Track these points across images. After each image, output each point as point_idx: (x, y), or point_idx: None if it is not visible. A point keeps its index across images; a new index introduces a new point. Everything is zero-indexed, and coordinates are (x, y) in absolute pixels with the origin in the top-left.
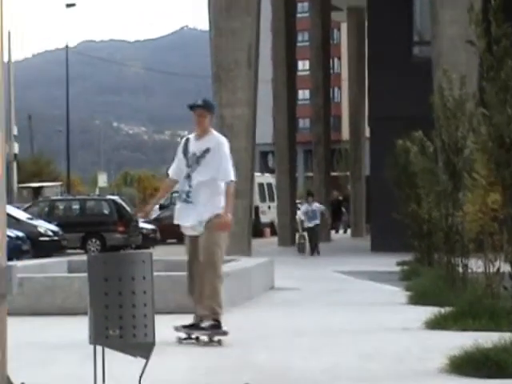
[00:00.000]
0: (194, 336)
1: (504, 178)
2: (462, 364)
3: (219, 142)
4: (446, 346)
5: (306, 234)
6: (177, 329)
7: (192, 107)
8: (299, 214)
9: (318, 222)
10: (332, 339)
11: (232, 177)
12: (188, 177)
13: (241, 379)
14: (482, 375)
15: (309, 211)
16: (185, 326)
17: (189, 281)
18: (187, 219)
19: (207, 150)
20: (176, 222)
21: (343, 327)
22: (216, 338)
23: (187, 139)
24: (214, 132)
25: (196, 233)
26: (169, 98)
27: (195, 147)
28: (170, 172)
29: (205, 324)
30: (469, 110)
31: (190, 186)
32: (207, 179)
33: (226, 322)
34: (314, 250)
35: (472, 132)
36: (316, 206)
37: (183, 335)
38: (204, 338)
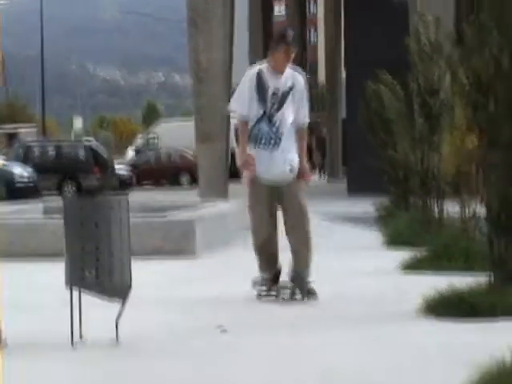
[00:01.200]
0: (273, 292)
1: (481, 122)
2: (437, 306)
3: (300, 79)
4: (421, 288)
5: None
6: (255, 283)
7: (285, 42)
8: None
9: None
10: None
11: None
12: (269, 118)
13: (216, 324)
14: (457, 316)
15: None
16: (271, 280)
17: (268, 249)
18: (275, 168)
19: (292, 88)
20: (258, 172)
21: (319, 271)
22: (298, 295)
23: (259, 73)
24: (289, 65)
25: (282, 182)
26: (144, 40)
27: (275, 84)
28: (244, 111)
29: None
30: (446, 52)
31: (274, 129)
32: (292, 121)
33: (203, 264)
34: None
35: (450, 75)
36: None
37: (263, 290)
38: (286, 294)
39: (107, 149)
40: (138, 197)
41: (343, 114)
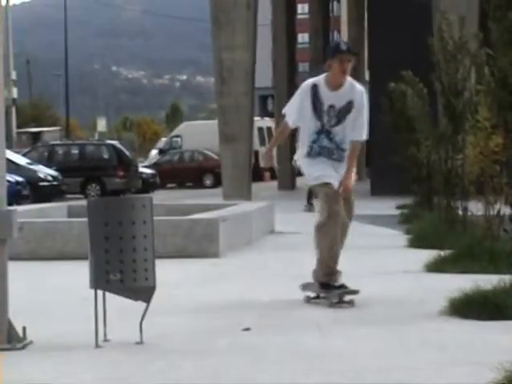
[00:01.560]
0: (322, 295)
1: (506, 121)
2: (461, 306)
3: (362, 92)
4: (445, 288)
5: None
6: (304, 287)
7: (338, 52)
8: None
9: None
10: None
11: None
12: (327, 132)
13: (240, 324)
14: (482, 317)
15: None
16: (321, 285)
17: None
18: (337, 180)
19: (351, 103)
20: (327, 180)
21: (344, 270)
22: (347, 298)
23: (314, 86)
24: (349, 78)
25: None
26: (167, 42)
27: (333, 98)
28: (292, 120)
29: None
30: (471, 51)
31: (334, 145)
32: (348, 135)
33: (227, 265)
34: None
35: (475, 73)
36: None
37: (312, 294)
38: (334, 298)
39: (131, 149)
40: (161, 198)
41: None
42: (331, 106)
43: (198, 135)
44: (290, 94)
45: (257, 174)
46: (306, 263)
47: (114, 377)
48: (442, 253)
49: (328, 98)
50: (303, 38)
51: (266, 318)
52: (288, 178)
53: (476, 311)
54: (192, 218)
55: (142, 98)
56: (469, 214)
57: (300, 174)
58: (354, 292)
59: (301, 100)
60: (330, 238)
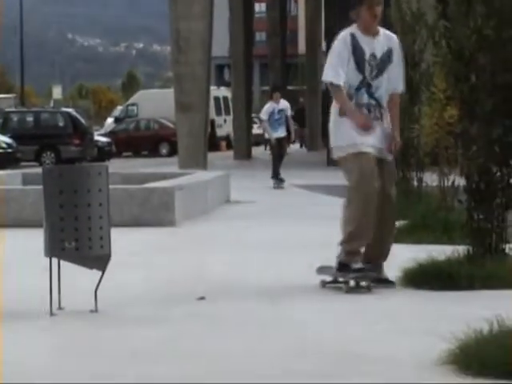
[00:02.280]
0: (340, 279)
1: (462, 92)
2: (416, 277)
3: (396, 39)
4: (400, 258)
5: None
6: (320, 270)
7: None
8: (262, 116)
9: (284, 131)
10: (288, 253)
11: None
12: (368, 85)
13: (195, 292)
14: (436, 287)
15: (275, 112)
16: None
17: (370, 219)
18: (379, 139)
19: (390, 52)
20: (358, 141)
21: (299, 241)
22: (364, 283)
23: (352, 35)
24: (380, 28)
25: (386, 157)
26: (124, 10)
27: (373, 45)
28: (343, 79)
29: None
30: (429, 23)
31: (374, 100)
32: (389, 88)
33: (183, 234)
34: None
35: (433, 45)
36: (284, 104)
37: (328, 278)
38: (351, 282)
39: (86, 117)
40: (117, 166)
41: (323, 85)
42: (372, 55)
43: (154, 104)
44: (247, 63)
45: (213, 144)
46: (262, 232)
47: (68, 345)
48: (397, 223)
49: (368, 44)
50: (260, 7)
51: (220, 287)
52: (244, 147)
53: (430, 282)
54: (148, 186)
55: (98, 65)
56: (424, 185)
57: (257, 143)
58: (390, 283)
59: (340, 53)
60: (364, 225)
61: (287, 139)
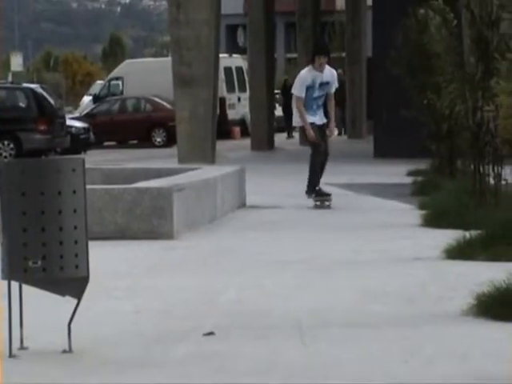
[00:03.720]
0: (327, 203)
1: None
2: (491, 304)
3: (334, 74)
4: (471, 280)
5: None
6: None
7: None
8: (296, 92)
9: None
10: (323, 273)
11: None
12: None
13: (203, 326)
14: None
15: (315, 86)
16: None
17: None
18: (321, 119)
19: (329, 81)
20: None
21: (338, 257)
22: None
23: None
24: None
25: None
26: None
27: (321, 78)
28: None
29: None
30: None
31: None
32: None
33: (183, 249)
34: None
35: None
36: (331, 75)
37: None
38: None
39: (56, 96)
40: (96, 160)
41: (368, 51)
42: (320, 83)
43: (145, 77)
44: (267, 22)
45: (223, 130)
46: (288, 246)
47: None
48: (468, 234)
49: (318, 77)
50: None
51: (233, 319)
52: (264, 134)
53: (510, 311)
54: (137, 186)
55: (71, 27)
56: (503, 182)
57: (281, 129)
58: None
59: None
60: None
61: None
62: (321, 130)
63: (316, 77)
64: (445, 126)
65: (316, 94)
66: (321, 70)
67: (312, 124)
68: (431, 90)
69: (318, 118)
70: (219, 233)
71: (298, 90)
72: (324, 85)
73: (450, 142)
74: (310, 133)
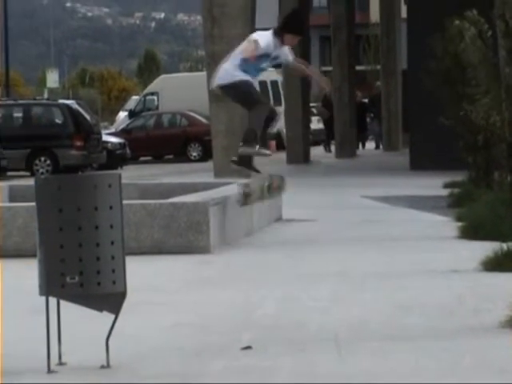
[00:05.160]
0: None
1: None
2: None
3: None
4: (509, 292)
5: None
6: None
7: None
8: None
9: None
10: (360, 286)
11: None
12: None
13: (239, 341)
14: None
15: (271, 56)
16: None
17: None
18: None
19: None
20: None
21: (374, 270)
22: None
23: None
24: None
25: None
26: None
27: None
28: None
29: None
30: None
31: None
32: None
33: (220, 263)
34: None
35: None
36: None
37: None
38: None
39: (92, 112)
40: (133, 175)
41: (403, 63)
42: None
43: (181, 92)
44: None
45: None
46: (325, 259)
47: None
48: (505, 246)
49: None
50: None
51: (270, 332)
52: (300, 148)
53: None
54: (173, 201)
55: (106, 43)
56: None
57: (316, 142)
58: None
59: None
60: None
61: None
62: None
63: (276, 47)
64: (481, 138)
65: (264, 64)
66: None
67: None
68: (467, 102)
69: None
70: (255, 247)
71: (261, 41)
72: (274, 60)
73: (486, 153)
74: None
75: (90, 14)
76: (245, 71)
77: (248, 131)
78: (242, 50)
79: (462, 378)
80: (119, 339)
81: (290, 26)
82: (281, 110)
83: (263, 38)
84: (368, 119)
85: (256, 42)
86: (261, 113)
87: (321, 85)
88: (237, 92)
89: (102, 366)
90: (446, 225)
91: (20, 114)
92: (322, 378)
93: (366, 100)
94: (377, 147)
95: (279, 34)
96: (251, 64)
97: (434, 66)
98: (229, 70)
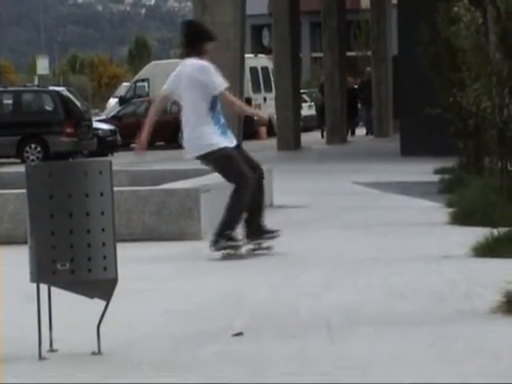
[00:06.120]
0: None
1: None
2: None
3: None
4: (500, 278)
5: None
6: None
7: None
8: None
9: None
10: (351, 272)
11: None
12: None
13: (231, 328)
14: None
15: None
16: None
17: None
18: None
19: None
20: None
21: (366, 256)
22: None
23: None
24: None
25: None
26: None
27: None
28: None
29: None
30: None
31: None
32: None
33: (208, 251)
34: None
35: None
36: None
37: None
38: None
39: (82, 98)
40: (123, 161)
41: (394, 49)
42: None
43: None
44: (292, 22)
45: (249, 130)
46: (316, 245)
47: None
48: (496, 231)
49: None
50: None
51: (262, 318)
52: (290, 134)
53: None
54: (165, 187)
55: (97, 29)
56: None
57: (307, 129)
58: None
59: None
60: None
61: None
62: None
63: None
64: (471, 124)
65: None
66: None
67: (226, 148)
68: (457, 87)
69: (230, 138)
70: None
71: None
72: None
73: (476, 139)
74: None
75: (80, 1)
76: (213, 123)
77: (227, 222)
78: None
79: (454, 363)
80: (110, 326)
81: (199, 35)
82: (272, 96)
83: (216, 73)
84: (359, 105)
85: (225, 91)
86: (244, 193)
87: (259, 118)
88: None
89: (93, 353)
90: (436, 211)
91: (10, 101)
92: (313, 363)
93: (356, 85)
94: (367, 134)
95: (199, 51)
96: (212, 111)
97: (424, 52)
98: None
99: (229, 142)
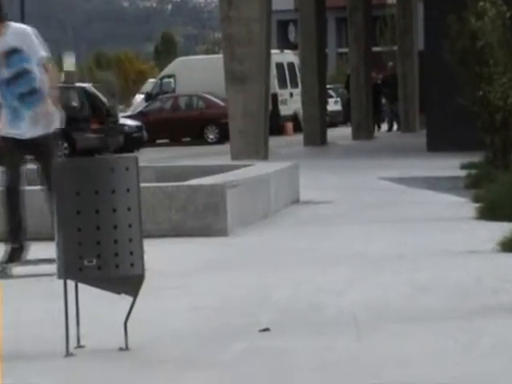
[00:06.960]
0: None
1: None
2: None
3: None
4: None
5: None
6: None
7: None
8: None
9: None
10: (377, 268)
11: None
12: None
13: (257, 323)
14: None
15: None
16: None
17: None
18: None
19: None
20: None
21: (391, 252)
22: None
23: None
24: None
25: None
26: None
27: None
28: None
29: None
30: None
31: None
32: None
33: (237, 246)
34: None
35: None
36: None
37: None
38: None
39: (108, 95)
40: (150, 158)
41: (420, 44)
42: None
43: (197, 74)
44: (319, 17)
45: (276, 126)
46: (342, 241)
47: None
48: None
49: None
50: None
51: (288, 314)
52: (317, 129)
53: None
54: (191, 183)
55: (123, 26)
56: None
57: (333, 124)
58: None
59: None
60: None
61: None
62: (24, 147)
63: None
64: (498, 118)
65: (5, 74)
66: None
67: (6, 139)
68: (485, 82)
69: (23, 128)
70: (273, 229)
71: None
72: (13, 55)
73: (504, 134)
74: None
75: None
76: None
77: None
78: None
79: (481, 358)
80: (137, 322)
81: None
82: (298, 91)
83: None
84: (383, 100)
85: None
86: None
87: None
88: None
89: (121, 349)
90: (463, 206)
91: None
92: (340, 359)
93: (380, 81)
94: (389, 130)
95: None
96: None
97: (450, 46)
98: None
99: (17, 131)
